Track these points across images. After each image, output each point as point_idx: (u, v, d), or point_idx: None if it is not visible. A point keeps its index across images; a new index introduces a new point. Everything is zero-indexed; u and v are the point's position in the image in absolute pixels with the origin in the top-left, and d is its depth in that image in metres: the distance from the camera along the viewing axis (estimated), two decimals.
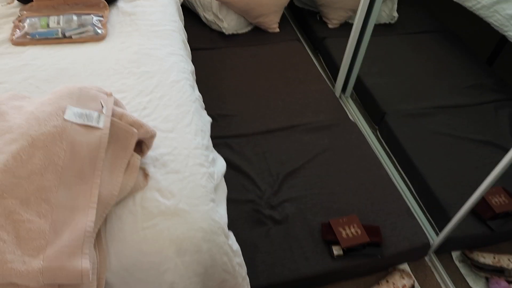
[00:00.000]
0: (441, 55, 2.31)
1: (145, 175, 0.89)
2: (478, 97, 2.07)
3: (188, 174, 0.93)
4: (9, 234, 0.68)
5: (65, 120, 0.79)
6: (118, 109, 0.88)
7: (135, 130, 0.85)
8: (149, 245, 0.81)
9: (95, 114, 0.83)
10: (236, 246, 0.99)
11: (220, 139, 1.70)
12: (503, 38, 2.23)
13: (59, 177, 0.75)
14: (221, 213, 0.97)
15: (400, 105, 1.99)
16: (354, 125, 1.88)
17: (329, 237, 1.44)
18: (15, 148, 0.74)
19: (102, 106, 0.85)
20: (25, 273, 0.65)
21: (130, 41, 1.23)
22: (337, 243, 1.43)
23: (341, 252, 1.41)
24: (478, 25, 2.21)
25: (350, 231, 1.46)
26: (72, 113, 0.81)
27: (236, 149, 1.70)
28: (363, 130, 1.94)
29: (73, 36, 1.22)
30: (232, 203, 1.44)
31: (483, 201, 1.60)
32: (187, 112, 1.07)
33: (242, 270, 1.01)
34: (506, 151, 1.76)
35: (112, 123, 0.84)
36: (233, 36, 2.26)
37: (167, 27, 1.31)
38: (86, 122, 0.81)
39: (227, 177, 1.12)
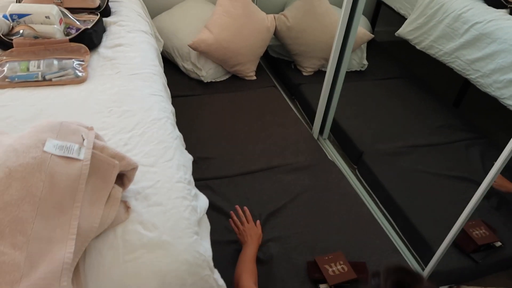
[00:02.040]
0: (410, 99, 2.44)
1: (127, 207, 0.87)
2: (449, 136, 2.16)
3: (171, 207, 0.91)
4: None
5: (44, 152, 0.78)
6: (99, 142, 0.87)
7: (116, 162, 0.85)
8: (131, 279, 0.78)
9: (76, 146, 0.83)
10: (221, 281, 0.96)
11: (201, 181, 1.69)
12: (466, 81, 2.38)
13: (36, 208, 0.72)
14: (206, 247, 0.94)
15: (376, 145, 2.05)
16: (333, 165, 1.91)
17: (315, 276, 1.41)
18: None
19: (83, 139, 0.84)
20: None
21: (111, 83, 1.25)
22: (324, 281, 1.39)
23: None
24: (442, 70, 2.36)
25: (337, 268, 1.43)
26: (52, 145, 0.80)
27: (217, 190, 1.69)
28: (343, 169, 1.97)
29: (53, 79, 1.23)
30: (214, 244, 1.39)
31: (464, 234, 1.62)
32: (169, 148, 1.08)
33: None
34: (479, 185, 1.83)
35: (93, 155, 0.83)
36: (211, 83, 2.33)
37: (147, 70, 1.35)
38: (66, 154, 0.80)
39: (209, 218, 1.10)
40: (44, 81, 1.22)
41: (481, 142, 2.12)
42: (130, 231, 0.83)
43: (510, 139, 1.18)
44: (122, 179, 0.90)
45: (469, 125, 2.24)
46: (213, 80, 2.33)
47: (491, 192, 1.37)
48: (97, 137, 0.89)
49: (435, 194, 1.83)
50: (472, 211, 1.39)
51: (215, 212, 1.59)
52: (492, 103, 2.08)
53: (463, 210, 1.41)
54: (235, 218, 1.43)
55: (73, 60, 1.28)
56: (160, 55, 1.64)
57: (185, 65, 2.30)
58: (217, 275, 0.95)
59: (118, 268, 0.78)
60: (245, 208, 1.46)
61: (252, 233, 1.36)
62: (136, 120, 1.11)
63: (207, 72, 2.28)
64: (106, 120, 1.10)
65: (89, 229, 0.77)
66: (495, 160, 1.25)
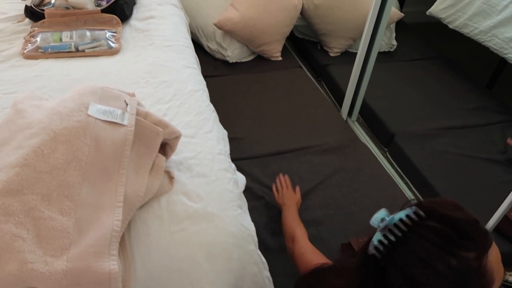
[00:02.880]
0: (441, 80, 2.35)
1: (170, 178, 0.83)
2: (482, 118, 2.08)
3: (215, 178, 0.87)
4: (29, 232, 0.61)
5: (88, 115, 0.74)
6: (142, 109, 0.83)
7: (160, 129, 0.81)
8: (178, 251, 0.74)
9: (119, 111, 0.79)
10: (264, 259, 0.92)
11: None
12: (502, 61, 2.28)
13: (83, 173, 0.69)
14: (249, 221, 0.90)
15: (408, 126, 1.98)
16: (364, 146, 1.85)
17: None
18: (35, 142, 0.68)
19: (127, 104, 0.80)
20: (47, 274, 0.57)
21: (145, 53, 1.21)
22: None
23: None
24: (474, 51, 2.27)
25: None
26: (95, 109, 0.76)
27: (246, 171, 1.64)
28: (373, 151, 1.92)
29: (86, 50, 1.20)
30: None
31: (505, 218, 1.55)
32: (208, 120, 1.03)
33: (271, 285, 0.93)
34: None
35: (137, 122, 0.79)
36: (236, 64, 2.27)
37: (180, 42, 1.31)
38: (110, 119, 0.76)
39: None
40: (77, 52, 1.19)
41: None
42: (175, 201, 0.80)
43: None
44: (164, 148, 0.86)
45: (504, 107, 2.15)
46: (238, 61, 2.28)
47: None
48: (138, 103, 0.85)
49: (470, 177, 1.76)
50: None
51: (246, 193, 1.54)
52: None
53: (503, 194, 1.35)
54: (277, 182, 1.43)
55: (105, 31, 1.24)
56: (189, 30, 1.59)
57: (210, 45, 2.25)
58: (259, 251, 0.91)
59: (164, 239, 0.75)
60: (286, 176, 1.46)
61: (291, 197, 1.36)
62: (173, 91, 1.07)
63: (233, 52, 2.23)
64: (142, 90, 1.06)
65: (135, 198, 0.73)
66: None
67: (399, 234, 0.55)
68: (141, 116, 0.81)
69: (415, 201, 0.59)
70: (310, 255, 0.99)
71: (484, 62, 2.41)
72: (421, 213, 0.55)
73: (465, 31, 2.23)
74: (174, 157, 0.89)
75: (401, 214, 0.56)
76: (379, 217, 0.58)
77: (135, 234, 0.74)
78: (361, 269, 0.58)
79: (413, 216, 0.55)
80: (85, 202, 0.67)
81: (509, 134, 1.98)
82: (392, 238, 0.55)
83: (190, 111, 1.03)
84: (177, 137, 0.85)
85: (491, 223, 1.43)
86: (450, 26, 2.30)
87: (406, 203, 0.59)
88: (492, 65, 2.38)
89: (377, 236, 0.57)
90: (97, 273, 0.60)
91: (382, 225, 0.57)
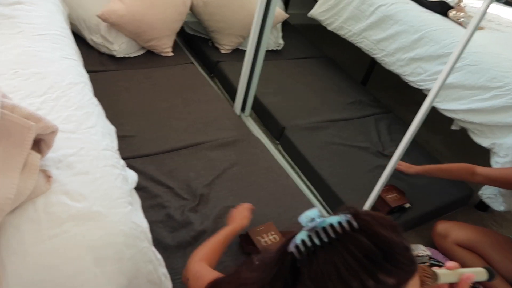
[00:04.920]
0: (324, 77, 2.55)
1: (47, 177, 0.75)
2: (359, 111, 2.31)
3: (100, 176, 0.81)
4: None
5: None
6: (8, 101, 0.73)
7: (31, 123, 0.72)
8: (60, 256, 0.67)
9: None
10: (159, 255, 0.88)
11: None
12: (372, 60, 2.56)
13: None
14: (141, 218, 0.86)
15: (296, 120, 2.10)
16: (257, 140, 1.91)
17: (249, 249, 1.40)
18: None
19: None
20: None
21: (13, 42, 1.07)
22: (258, 253, 1.39)
23: None
24: (351, 51, 2.51)
25: (269, 238, 1.43)
26: None
27: (141, 169, 1.57)
28: (266, 144, 1.99)
29: None
30: None
31: (380, 198, 1.74)
32: (90, 114, 0.96)
33: (168, 282, 0.90)
34: (387, 155, 1.99)
35: (2, 116, 0.69)
36: (124, 59, 2.15)
37: (56, 31, 1.19)
38: None
39: None
40: None
41: (388, 116, 2.31)
42: (53, 202, 0.72)
43: (412, 112, 1.30)
44: (39, 145, 0.77)
45: (376, 101, 2.42)
46: (127, 55, 2.17)
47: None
48: (3, 96, 0.75)
49: (350, 163, 1.94)
50: (387, 178, 1.50)
51: (140, 192, 1.47)
52: (395, 80, 2.27)
53: (377, 177, 1.52)
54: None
55: None
56: (69, 20, 1.45)
57: (94, 38, 2.09)
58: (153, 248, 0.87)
59: (41, 245, 0.67)
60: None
61: (235, 214, 1.30)
62: (48, 84, 0.97)
63: (120, 47, 2.11)
64: (10, 82, 0.93)
65: (3, 201, 0.64)
66: (401, 133, 1.37)
67: (325, 239, 0.51)
68: (8, 110, 0.71)
69: (353, 210, 0.54)
70: (208, 275, 0.83)
71: (359, 61, 2.68)
72: (355, 224, 0.51)
73: (341, 33, 2.45)
74: (51, 154, 0.80)
75: (333, 220, 0.52)
76: (310, 215, 0.53)
77: (5, 243, 0.65)
78: (276, 264, 0.54)
79: (345, 224, 0.51)
80: None
81: (380, 125, 2.23)
82: (316, 241, 0.51)
83: (70, 105, 0.94)
84: (53, 132, 0.76)
85: (368, 203, 1.59)
86: (329, 28, 2.51)
87: (342, 209, 0.55)
88: (365, 64, 2.66)
89: (301, 235, 0.52)
90: None
91: (310, 225, 0.52)
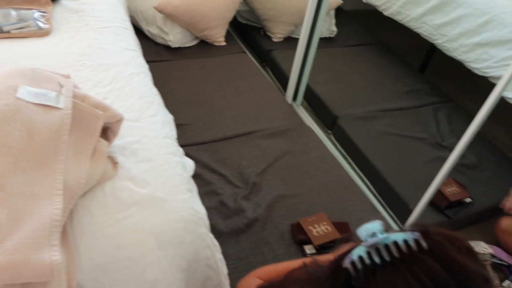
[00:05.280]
0: (379, 65, 2.46)
1: (114, 163, 0.79)
2: (417, 100, 2.21)
3: (162, 162, 0.84)
4: None
5: (18, 98, 0.68)
6: (79, 91, 0.78)
7: (100, 112, 0.76)
8: (126, 238, 0.71)
9: (53, 94, 0.73)
10: (216, 241, 0.91)
11: None
12: (431, 46, 2.43)
13: (14, 160, 0.63)
14: (199, 205, 0.88)
15: (349, 109, 2.05)
16: (309, 129, 1.89)
17: (300, 237, 1.40)
18: None
19: (62, 86, 0.74)
20: None
21: (80, 35, 1.13)
22: (308, 242, 1.38)
23: (314, 251, 1.36)
24: (408, 37, 2.39)
25: (321, 229, 1.42)
26: (26, 92, 0.70)
27: (195, 157, 1.61)
28: (318, 134, 1.96)
29: (12, 31, 1.09)
30: None
31: (438, 192, 1.66)
32: (152, 103, 0.99)
33: (224, 268, 0.92)
34: (447, 147, 1.89)
35: (74, 105, 0.74)
36: (179, 49, 2.21)
37: (118, 24, 1.24)
38: (43, 102, 0.70)
39: None
40: (1, 33, 1.08)
41: (448, 105, 2.19)
42: (120, 188, 0.76)
43: (474, 102, 1.21)
44: (106, 132, 0.81)
45: (435, 90, 2.30)
46: (181, 46, 2.22)
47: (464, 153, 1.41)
48: (75, 86, 0.80)
49: (407, 155, 1.86)
50: (449, 171, 1.43)
51: (195, 179, 1.51)
52: (456, 67, 2.14)
53: (436, 170, 1.44)
54: None
55: (33, 11, 1.14)
56: (128, 12, 1.51)
57: (151, 29, 2.16)
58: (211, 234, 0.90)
59: (110, 227, 0.71)
60: None
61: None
62: (112, 74, 1.02)
63: (175, 37, 2.16)
64: (79, 74, 0.99)
65: (76, 185, 0.68)
66: (463, 124, 1.27)
67: (387, 258, 0.45)
68: (79, 99, 0.76)
69: (422, 228, 0.47)
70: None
71: (417, 47, 2.56)
72: (424, 244, 0.44)
73: (398, 18, 2.34)
74: (117, 142, 0.84)
75: (399, 237, 0.45)
76: (371, 229, 0.47)
77: (78, 223, 0.70)
78: (328, 280, 0.49)
79: (412, 243, 0.45)
80: (19, 192, 0.61)
81: (439, 115, 2.12)
82: (376, 259, 0.45)
83: (132, 94, 0.98)
84: (119, 120, 0.80)
85: (426, 197, 1.52)
86: (385, 13, 2.41)
87: (412, 226, 0.47)
88: (423, 50, 2.52)
89: (359, 251, 0.46)
90: (37, 265, 0.55)
91: (370, 240, 0.46)
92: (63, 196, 0.64)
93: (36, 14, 1.14)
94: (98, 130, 0.75)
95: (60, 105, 0.72)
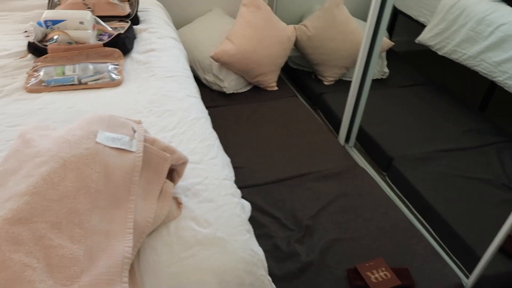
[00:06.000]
0: (434, 105, 2.40)
1: (178, 203, 0.83)
2: (477, 140, 2.11)
3: (222, 203, 0.87)
4: (40, 261, 0.59)
5: (97, 143, 0.75)
6: (150, 135, 0.84)
7: (168, 155, 0.81)
8: (189, 277, 0.73)
9: (127, 138, 0.79)
10: (273, 284, 0.90)
11: None
12: (491, 84, 2.35)
13: (92, 200, 0.69)
14: (257, 246, 0.89)
15: (405, 150, 2.00)
16: (364, 171, 1.86)
17: (358, 283, 1.34)
18: (45, 170, 0.68)
19: (134, 131, 0.81)
20: None
21: (147, 85, 1.23)
22: None
23: None
24: (463, 75, 2.33)
25: (379, 275, 1.36)
26: (104, 137, 0.77)
27: (248, 199, 1.63)
28: (372, 176, 1.92)
29: (89, 82, 1.22)
30: None
31: (508, 237, 1.55)
32: (212, 146, 1.04)
33: None
34: None
35: (145, 148, 0.80)
36: (233, 95, 2.31)
37: (181, 73, 1.33)
38: (119, 146, 0.77)
39: None
40: (80, 85, 1.20)
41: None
42: (183, 227, 0.79)
43: None
44: (171, 174, 0.86)
45: (497, 129, 2.19)
46: (235, 92, 2.32)
47: None
48: (145, 131, 0.86)
49: (470, 198, 1.76)
50: None
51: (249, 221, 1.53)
52: None
53: (503, 213, 1.36)
54: None
55: (108, 64, 1.27)
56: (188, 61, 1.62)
57: (207, 77, 2.29)
58: (269, 276, 0.89)
59: (175, 265, 0.74)
60: None
61: None
62: (176, 119, 1.09)
63: (229, 84, 2.27)
64: (146, 119, 1.07)
65: (144, 224, 0.73)
66: None
67: None
68: (149, 143, 0.82)
69: None
70: None
71: (474, 86, 2.48)
72: None
73: (454, 57, 2.30)
74: (181, 183, 0.89)
75: None
76: None
77: (144, 261, 0.73)
78: None
79: None
80: (95, 229, 0.66)
81: (503, 155, 2.01)
82: None
83: (195, 138, 1.04)
84: (184, 163, 0.85)
85: (495, 243, 1.42)
86: (440, 53, 2.38)
87: None
88: (482, 88, 2.44)
89: None
90: None
91: None
92: (133, 235, 0.68)
93: (110, 67, 1.26)
94: (166, 172, 0.80)
95: (133, 149, 0.78)
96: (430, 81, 2.63)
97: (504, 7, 2.08)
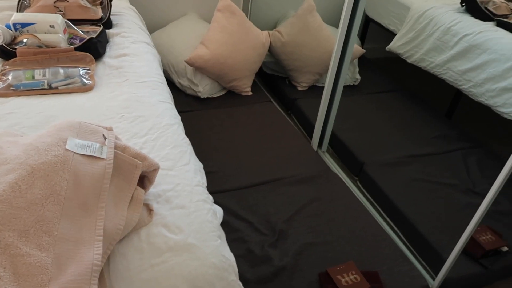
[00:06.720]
0: (404, 111, 2.48)
1: (149, 210, 0.83)
2: (445, 146, 2.20)
3: (194, 210, 0.88)
4: (6, 269, 0.58)
5: (66, 150, 0.74)
6: (120, 142, 0.84)
7: (139, 162, 0.81)
8: (160, 283, 0.73)
9: (97, 145, 0.79)
10: None
11: None
12: (457, 92, 2.44)
13: (61, 207, 0.68)
14: (228, 252, 0.90)
15: (376, 156, 2.06)
16: (336, 176, 1.90)
17: (329, 287, 1.37)
18: (13, 177, 0.67)
19: (105, 138, 0.81)
20: None
21: (120, 90, 1.22)
22: None
23: None
24: (432, 83, 2.42)
25: (349, 278, 1.40)
26: (73, 144, 0.76)
27: (222, 204, 1.65)
28: (344, 180, 1.97)
29: (59, 87, 1.20)
30: None
31: (472, 240, 1.61)
32: (184, 153, 1.05)
33: None
34: (479, 193, 1.85)
35: (115, 155, 0.80)
36: (208, 99, 2.32)
37: (154, 78, 1.33)
38: (89, 153, 0.76)
39: None
40: (50, 89, 1.18)
41: (477, 151, 2.16)
42: (154, 234, 0.79)
43: (504, 146, 1.20)
44: (142, 181, 0.86)
45: (464, 135, 2.28)
46: (210, 96, 2.33)
47: (496, 199, 1.38)
48: (116, 137, 0.86)
49: (437, 202, 1.83)
50: (481, 218, 1.40)
51: (222, 226, 1.54)
52: (484, 112, 2.13)
53: (468, 217, 1.42)
54: None
55: (79, 68, 1.25)
56: (162, 66, 1.62)
57: (181, 81, 2.29)
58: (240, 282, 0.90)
59: (145, 272, 0.74)
60: None
61: None
62: (149, 126, 1.09)
63: (204, 88, 2.27)
64: (118, 125, 1.06)
65: (115, 231, 0.72)
66: (494, 169, 1.26)
67: None
68: (119, 150, 0.82)
69: None
70: None
71: (442, 93, 2.57)
72: None
73: (422, 65, 2.39)
74: (152, 189, 0.89)
75: None
76: None
77: (114, 268, 0.73)
78: None
79: None
80: (64, 237, 0.66)
81: (469, 160, 2.09)
82: None
83: (167, 144, 1.04)
84: (156, 169, 0.85)
85: (459, 245, 1.48)
86: (409, 61, 2.46)
87: None
88: (449, 96, 2.54)
89: None
90: None
91: None
92: (103, 242, 0.68)
93: (82, 71, 1.25)
94: (136, 179, 0.80)
95: (103, 156, 0.78)
96: (400, 88, 2.71)
97: (469, 18, 2.18)
